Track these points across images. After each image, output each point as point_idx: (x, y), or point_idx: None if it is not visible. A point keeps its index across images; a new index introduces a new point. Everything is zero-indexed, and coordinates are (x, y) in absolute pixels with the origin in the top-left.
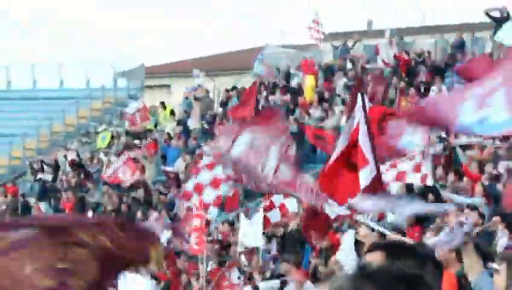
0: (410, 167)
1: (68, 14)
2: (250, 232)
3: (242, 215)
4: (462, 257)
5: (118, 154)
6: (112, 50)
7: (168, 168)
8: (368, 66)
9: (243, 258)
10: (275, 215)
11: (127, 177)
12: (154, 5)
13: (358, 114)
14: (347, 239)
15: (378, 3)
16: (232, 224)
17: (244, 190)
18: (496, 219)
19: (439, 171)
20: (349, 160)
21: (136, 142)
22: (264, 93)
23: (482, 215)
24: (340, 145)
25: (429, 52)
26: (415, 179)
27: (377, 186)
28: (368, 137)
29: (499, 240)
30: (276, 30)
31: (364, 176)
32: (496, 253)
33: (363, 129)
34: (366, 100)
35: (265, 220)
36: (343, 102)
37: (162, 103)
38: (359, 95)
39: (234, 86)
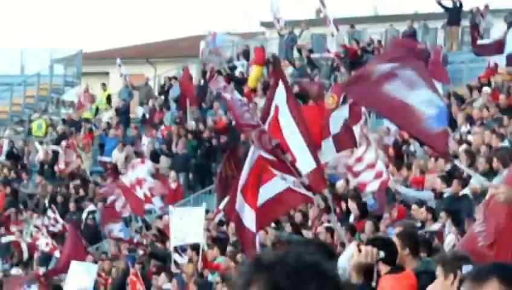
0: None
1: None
2: (186, 227)
3: (172, 209)
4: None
5: (54, 143)
6: (51, 36)
7: (105, 159)
8: (314, 55)
9: (177, 255)
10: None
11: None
12: None
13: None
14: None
15: None
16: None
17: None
18: (442, 213)
19: (391, 166)
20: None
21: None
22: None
23: (430, 210)
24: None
25: (379, 42)
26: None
27: (318, 180)
28: (299, 131)
29: (447, 237)
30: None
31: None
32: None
33: (289, 127)
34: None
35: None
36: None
37: (104, 84)
38: (281, 84)
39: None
